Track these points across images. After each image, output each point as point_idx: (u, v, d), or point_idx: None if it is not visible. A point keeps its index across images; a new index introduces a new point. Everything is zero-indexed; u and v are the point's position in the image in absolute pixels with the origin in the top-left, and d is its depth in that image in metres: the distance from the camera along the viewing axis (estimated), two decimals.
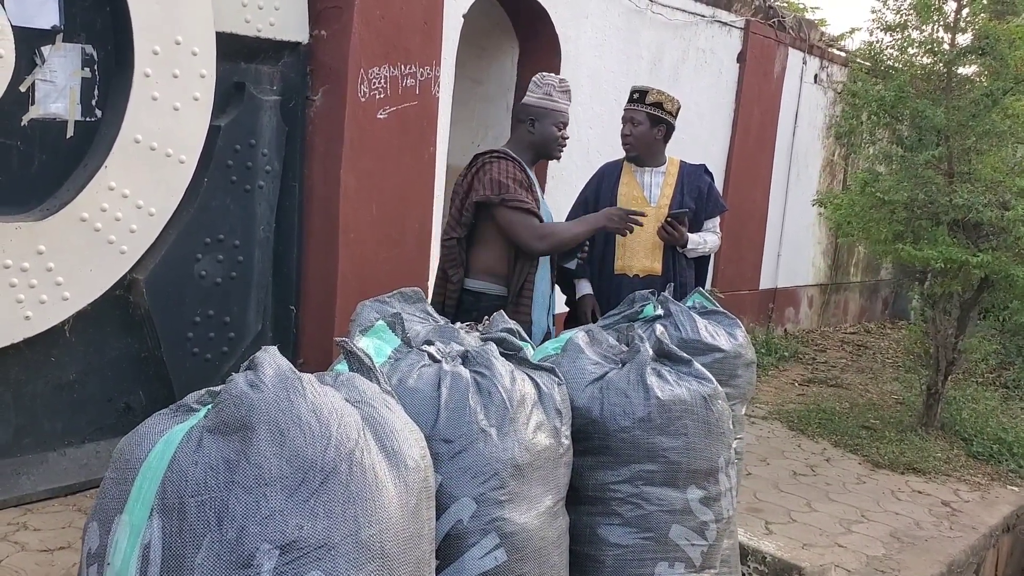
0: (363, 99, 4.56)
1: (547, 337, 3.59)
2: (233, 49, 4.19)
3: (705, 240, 3.90)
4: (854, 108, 5.74)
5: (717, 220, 3.99)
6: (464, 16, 5.18)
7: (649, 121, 3.87)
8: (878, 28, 5.42)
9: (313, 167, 4.60)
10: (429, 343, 2.27)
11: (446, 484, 1.94)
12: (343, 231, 4.55)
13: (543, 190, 6.17)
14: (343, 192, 4.52)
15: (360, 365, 1.90)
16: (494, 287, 3.46)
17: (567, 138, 3.58)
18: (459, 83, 6.25)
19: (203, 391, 1.82)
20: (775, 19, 8.10)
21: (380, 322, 2.21)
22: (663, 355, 2.50)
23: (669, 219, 3.77)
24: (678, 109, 3.99)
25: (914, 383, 6.58)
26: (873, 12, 5.38)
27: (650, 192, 3.90)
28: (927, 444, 5.64)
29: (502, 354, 2.20)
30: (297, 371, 1.69)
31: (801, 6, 10.00)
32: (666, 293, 3.26)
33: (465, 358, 2.15)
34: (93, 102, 3.81)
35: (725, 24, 7.44)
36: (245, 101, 4.28)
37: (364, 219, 4.63)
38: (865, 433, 5.82)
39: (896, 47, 5.38)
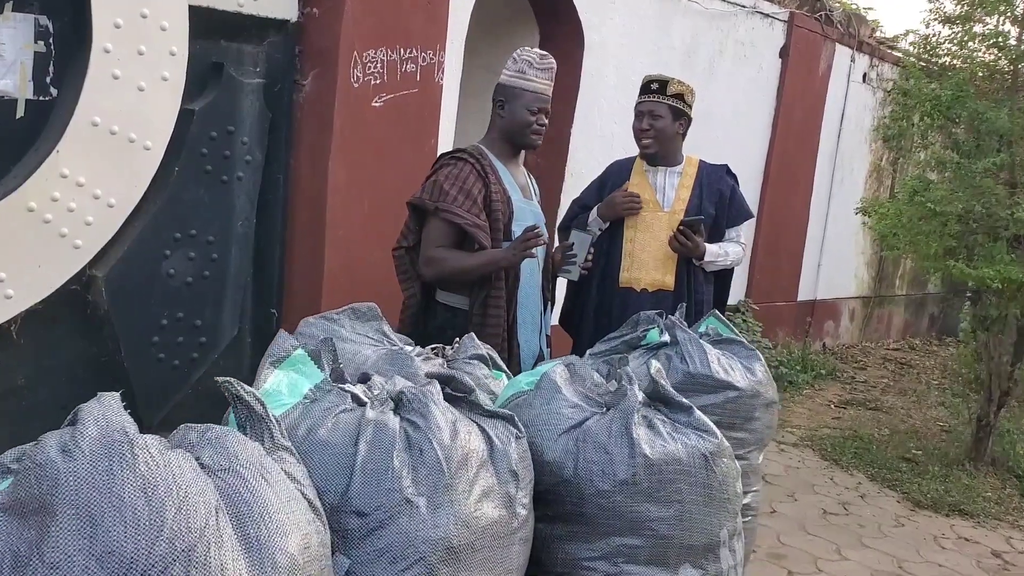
0: (356, 84, 4.14)
1: (540, 361, 3.14)
2: (210, 25, 3.79)
3: (727, 252, 3.42)
4: (905, 108, 5.19)
5: (741, 229, 3.50)
6: None
7: (672, 114, 3.40)
8: (935, 20, 4.87)
9: (301, 158, 4.20)
10: (365, 378, 1.83)
11: (357, 572, 1.51)
12: (331, 228, 4.14)
13: (560, 188, 5.73)
14: (331, 186, 4.11)
15: (249, 413, 1.47)
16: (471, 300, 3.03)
17: (544, 124, 3.11)
18: (471, 72, 5.81)
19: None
20: (822, 13, 7.55)
21: (299, 351, 1.77)
22: (657, 399, 2.04)
23: (682, 226, 3.31)
24: (695, 100, 3.51)
25: (962, 410, 6.02)
26: (931, 1, 4.83)
27: (664, 195, 3.43)
28: (975, 482, 5.10)
29: (447, 396, 1.76)
30: (133, 430, 1.26)
31: (853, 5, 9.41)
32: (678, 313, 2.80)
33: (399, 402, 1.71)
34: (48, 79, 3.43)
35: (767, 16, 6.91)
36: (223, 83, 3.88)
37: (355, 216, 4.22)
38: (906, 466, 5.29)
39: (955, 41, 4.82)
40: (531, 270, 3.10)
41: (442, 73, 4.45)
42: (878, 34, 8.32)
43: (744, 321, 7.10)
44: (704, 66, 6.45)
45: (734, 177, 3.54)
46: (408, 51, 4.31)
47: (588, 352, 2.67)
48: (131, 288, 3.71)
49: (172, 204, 3.79)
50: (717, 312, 2.74)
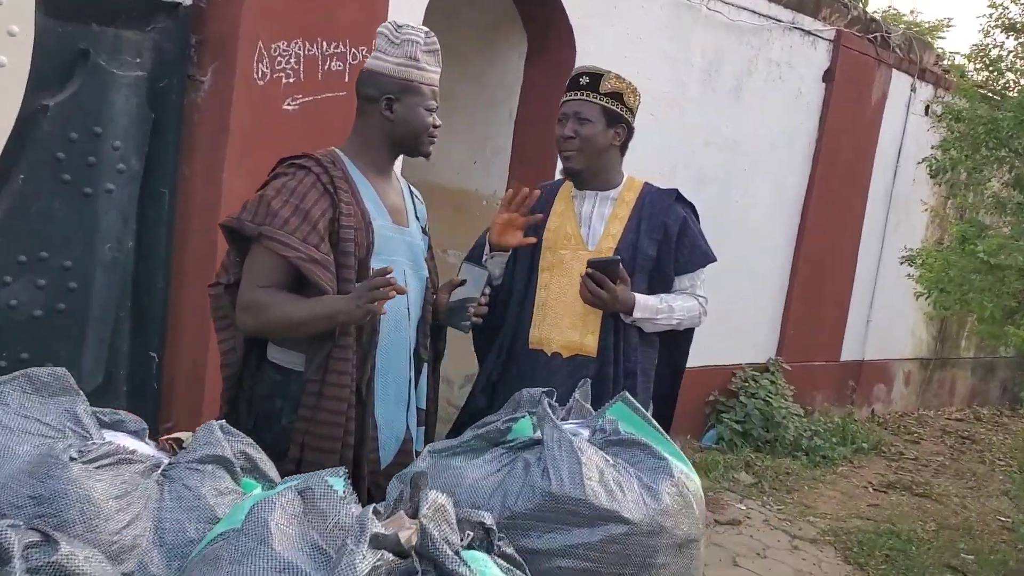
0: (261, 81, 3.41)
1: (407, 445, 2.32)
2: (74, 3, 3.10)
3: (671, 307, 2.54)
4: (956, 138, 4.25)
5: (698, 278, 2.61)
6: None
7: (605, 118, 2.57)
8: (996, 27, 3.93)
9: (195, 169, 3.48)
10: None
11: None
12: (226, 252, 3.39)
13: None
14: (226, 201, 3.37)
15: None
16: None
17: (439, 125, 2.34)
18: (458, 86, 5.07)
19: None
20: (877, 34, 6.61)
21: None
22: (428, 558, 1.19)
23: (591, 267, 2.47)
24: (639, 105, 2.67)
25: None
26: (993, 6, 3.89)
27: (590, 228, 2.57)
28: None
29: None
30: None
31: (919, 25, 8.41)
32: (577, 393, 1.96)
33: None
34: None
35: (808, 33, 6.01)
36: (89, 75, 3.18)
37: None
38: None
39: (1021, 55, 3.87)
40: (397, 321, 2.29)
41: None
42: (944, 57, 7.32)
43: (773, 383, 6.15)
44: (729, 86, 5.58)
45: (689, 207, 2.66)
46: (333, 46, 3.57)
47: (427, 448, 1.84)
48: None
49: (14, 219, 3.10)
50: (627, 396, 1.87)
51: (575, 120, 2.55)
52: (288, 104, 3.51)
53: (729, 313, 5.78)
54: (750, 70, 5.68)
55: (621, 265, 2.46)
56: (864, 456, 6.34)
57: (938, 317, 7.33)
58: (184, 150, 3.46)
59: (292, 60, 3.48)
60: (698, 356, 5.78)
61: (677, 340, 2.66)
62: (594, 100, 2.54)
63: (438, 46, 2.36)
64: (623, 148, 2.65)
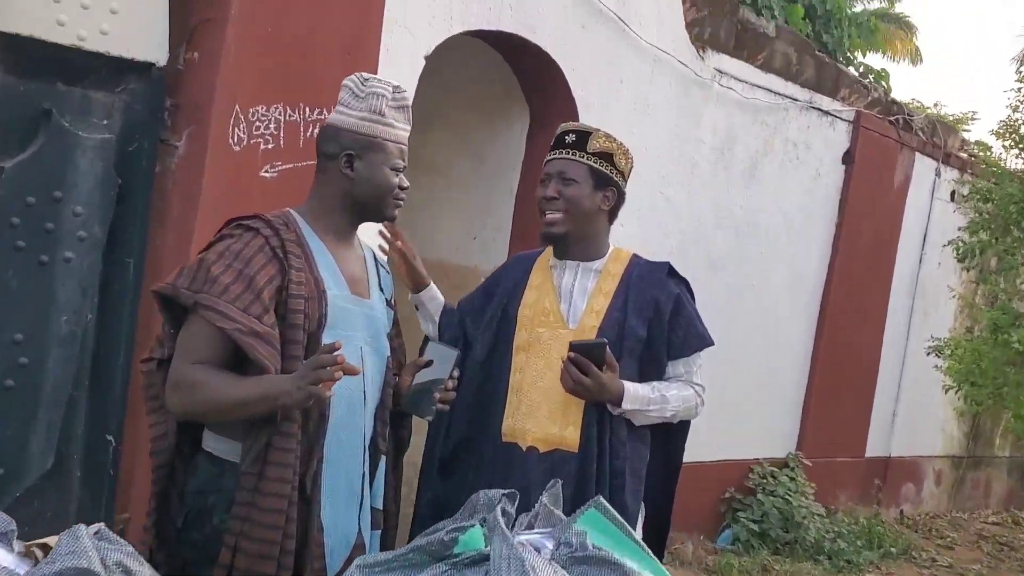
0: (237, 147, 3.22)
1: (359, 552, 2.01)
2: (35, 61, 2.94)
3: (664, 397, 2.23)
4: (985, 219, 3.96)
5: (694, 362, 2.31)
6: (427, 57, 3.81)
7: (592, 180, 2.31)
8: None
9: (166, 239, 3.26)
10: None
11: None
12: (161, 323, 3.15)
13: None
14: None
15: None
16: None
17: (407, 187, 2.10)
18: (457, 160, 4.89)
19: None
20: (899, 116, 6.41)
21: None
22: None
23: (573, 352, 2.18)
24: (631, 169, 2.42)
25: None
26: (1022, 80, 3.65)
27: (570, 303, 2.29)
28: None
29: None
30: None
31: (943, 117, 8.22)
32: (546, 496, 1.65)
33: None
34: None
35: (826, 113, 5.82)
36: (51, 136, 2.99)
37: None
38: None
39: None
40: (350, 405, 2.01)
41: None
42: (972, 146, 7.10)
43: (792, 479, 5.76)
44: (744, 165, 5.36)
45: (684, 283, 2.37)
46: (316, 111, 3.38)
47: (356, 563, 1.53)
48: None
49: None
50: (601, 501, 1.55)
51: (559, 180, 2.30)
52: (266, 171, 3.30)
53: (745, 405, 5.47)
54: (765, 150, 5.47)
55: (608, 348, 2.17)
56: (893, 562, 5.90)
57: (970, 412, 6.94)
58: (153, 218, 3.24)
59: (271, 125, 3.28)
60: (713, 450, 5.49)
61: (671, 433, 2.34)
62: (581, 159, 2.29)
63: (408, 102, 2.15)
64: (612, 215, 2.39)
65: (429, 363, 2.12)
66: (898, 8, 20.13)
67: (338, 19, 3.40)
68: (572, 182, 2.29)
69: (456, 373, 2.07)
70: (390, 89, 2.10)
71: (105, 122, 3.12)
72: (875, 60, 15.49)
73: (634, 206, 4.80)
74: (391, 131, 2.09)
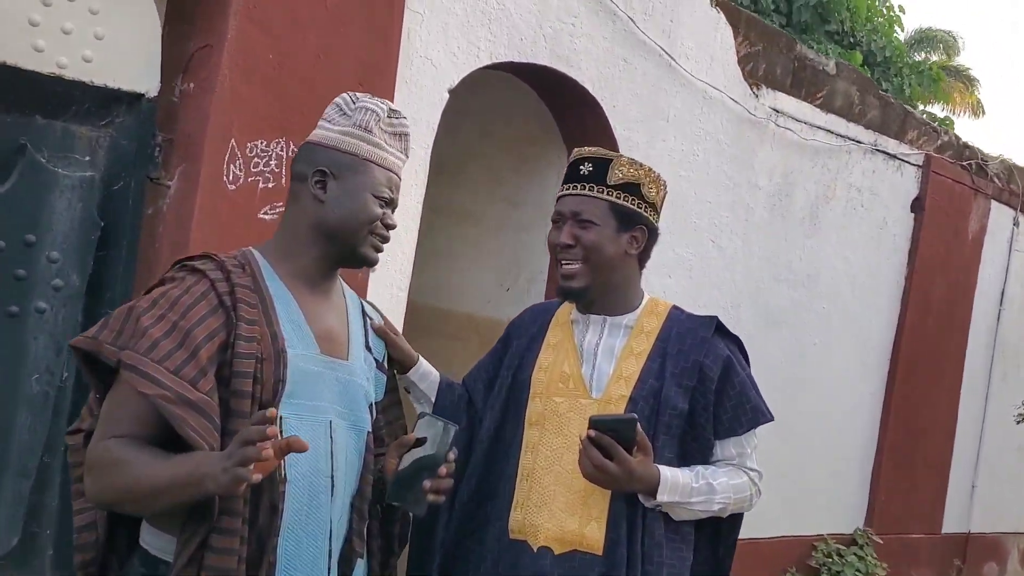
0: (233, 186, 2.89)
1: None
2: (11, 90, 2.65)
3: (711, 486, 1.79)
4: None
5: (749, 442, 1.86)
6: (450, 91, 3.47)
7: (616, 220, 1.90)
8: None
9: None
10: None
11: None
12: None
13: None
14: None
15: None
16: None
17: (393, 226, 1.72)
18: (490, 206, 4.54)
19: None
20: (972, 161, 5.92)
21: None
22: None
23: (594, 430, 1.73)
24: (664, 197, 2.00)
25: None
26: None
27: (594, 367, 1.87)
28: None
29: None
30: None
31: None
32: None
33: None
34: None
35: (893, 157, 5.36)
36: (24, 173, 2.69)
37: None
38: None
39: None
40: (313, 495, 1.61)
41: None
42: None
43: (861, 559, 5.20)
44: (803, 212, 4.92)
45: (735, 342, 1.93)
46: None
47: None
48: None
49: None
50: None
51: (574, 222, 1.88)
52: (265, 213, 2.97)
53: (807, 474, 4.97)
54: (827, 196, 5.03)
55: (639, 425, 1.74)
56: None
57: None
58: (140, 265, 2.92)
59: (271, 162, 2.96)
60: (770, 525, 4.95)
61: (720, 530, 1.89)
62: (600, 195, 1.87)
63: (406, 130, 1.78)
64: (643, 258, 1.95)
65: (421, 441, 1.70)
66: (956, 61, 19.58)
67: (349, 46, 3.09)
68: (590, 224, 1.87)
69: (454, 455, 1.66)
70: (385, 109, 1.74)
71: (87, 158, 2.82)
72: (935, 112, 14.94)
73: (682, 257, 4.39)
74: (378, 153, 1.72)
